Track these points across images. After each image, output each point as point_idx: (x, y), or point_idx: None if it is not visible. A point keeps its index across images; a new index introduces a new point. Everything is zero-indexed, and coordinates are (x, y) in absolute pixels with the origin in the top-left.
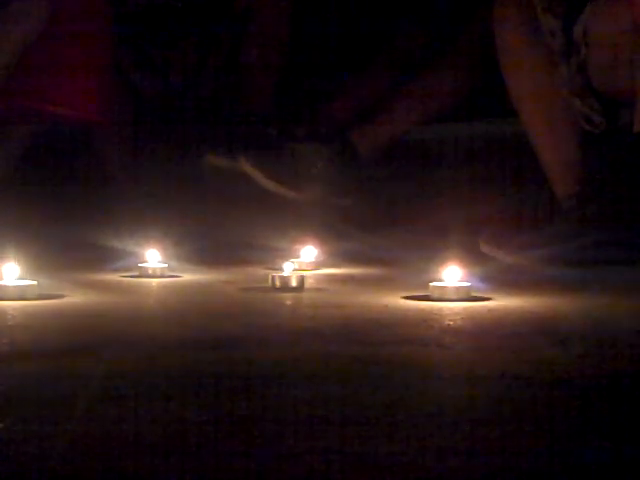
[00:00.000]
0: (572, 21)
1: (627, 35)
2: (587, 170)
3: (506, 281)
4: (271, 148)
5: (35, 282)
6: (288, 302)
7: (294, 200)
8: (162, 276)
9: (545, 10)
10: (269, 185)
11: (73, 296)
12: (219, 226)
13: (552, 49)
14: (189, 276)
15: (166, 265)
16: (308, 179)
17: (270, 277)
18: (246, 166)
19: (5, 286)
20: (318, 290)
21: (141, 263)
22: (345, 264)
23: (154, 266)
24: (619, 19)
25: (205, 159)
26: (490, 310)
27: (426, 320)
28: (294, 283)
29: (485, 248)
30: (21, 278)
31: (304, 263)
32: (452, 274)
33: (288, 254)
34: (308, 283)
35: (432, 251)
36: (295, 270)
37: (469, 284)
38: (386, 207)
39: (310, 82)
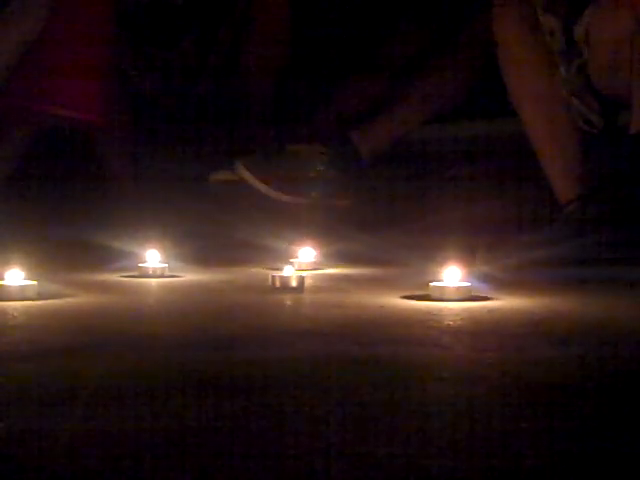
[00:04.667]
0: (572, 21)
1: (627, 36)
2: (587, 170)
3: (506, 281)
4: (270, 149)
5: (35, 282)
6: (288, 302)
7: (292, 203)
8: (162, 276)
9: (545, 10)
10: (266, 190)
11: (73, 296)
12: (219, 226)
13: (552, 49)
14: (189, 276)
15: (166, 265)
16: (307, 182)
17: (270, 277)
18: (242, 171)
19: (6, 286)
20: (318, 290)
21: (141, 263)
22: (345, 264)
23: (154, 266)
24: (620, 20)
25: (209, 177)
26: (490, 310)
27: (426, 320)
28: (294, 283)
29: (480, 265)
30: (22, 278)
31: (304, 263)
32: (452, 274)
33: (288, 254)
34: (308, 283)
35: (432, 251)
36: (295, 270)
37: (469, 284)
38: (386, 207)
39: (310, 83)
